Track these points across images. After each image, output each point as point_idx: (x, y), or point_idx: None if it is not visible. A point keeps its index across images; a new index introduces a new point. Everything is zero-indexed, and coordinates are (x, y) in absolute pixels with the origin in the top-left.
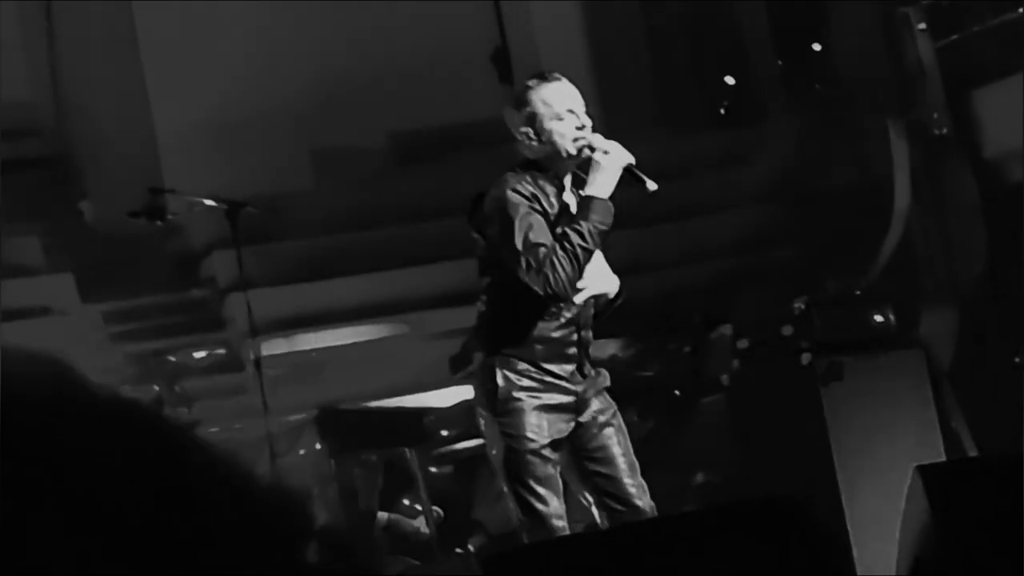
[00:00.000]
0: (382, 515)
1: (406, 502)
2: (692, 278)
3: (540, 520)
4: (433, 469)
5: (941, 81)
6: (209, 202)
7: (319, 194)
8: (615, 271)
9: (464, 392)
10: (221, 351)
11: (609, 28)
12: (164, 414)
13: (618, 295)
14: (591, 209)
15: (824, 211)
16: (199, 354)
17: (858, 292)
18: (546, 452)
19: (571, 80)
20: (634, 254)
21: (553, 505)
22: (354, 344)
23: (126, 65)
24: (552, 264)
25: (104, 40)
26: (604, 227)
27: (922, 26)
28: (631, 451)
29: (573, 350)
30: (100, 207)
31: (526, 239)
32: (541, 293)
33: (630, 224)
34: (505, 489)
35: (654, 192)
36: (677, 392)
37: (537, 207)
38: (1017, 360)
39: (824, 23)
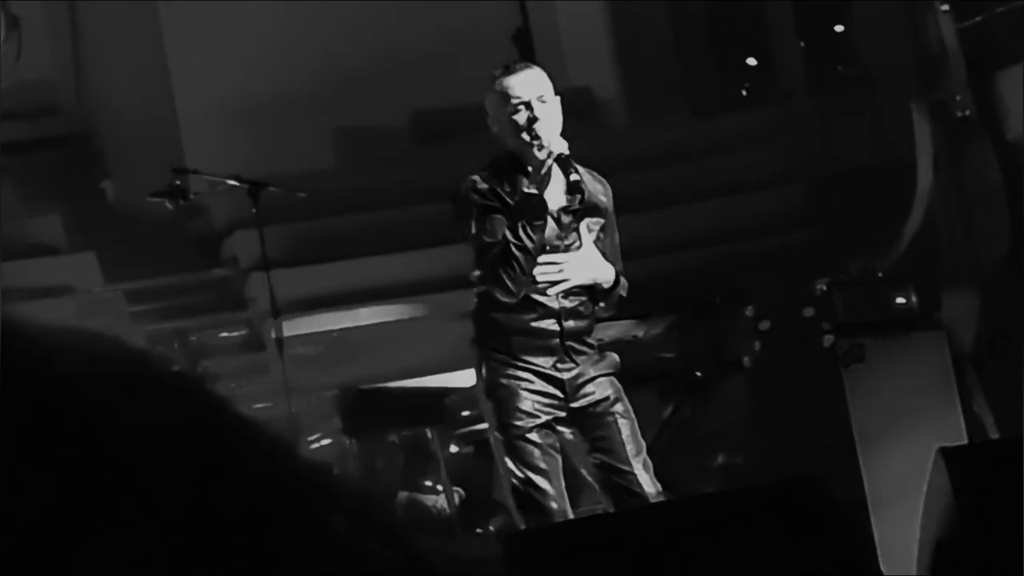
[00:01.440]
0: (402, 495)
1: (427, 482)
2: (714, 259)
3: (533, 505)
4: (454, 449)
5: (964, 63)
6: (231, 182)
7: (341, 173)
8: (636, 252)
9: None
10: (243, 331)
11: (631, 9)
12: (207, 388)
13: (616, 284)
14: (523, 207)
15: (846, 192)
16: (221, 334)
17: (880, 274)
18: (535, 436)
19: (594, 62)
20: (656, 235)
21: (546, 489)
22: (376, 324)
23: (148, 44)
24: (492, 266)
25: (126, 19)
26: (538, 222)
27: (945, 7)
28: (637, 437)
29: (554, 341)
30: (122, 186)
31: (479, 240)
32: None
33: (651, 205)
34: (501, 474)
35: (575, 182)
36: (698, 374)
37: (496, 204)
38: None
39: (847, 4)
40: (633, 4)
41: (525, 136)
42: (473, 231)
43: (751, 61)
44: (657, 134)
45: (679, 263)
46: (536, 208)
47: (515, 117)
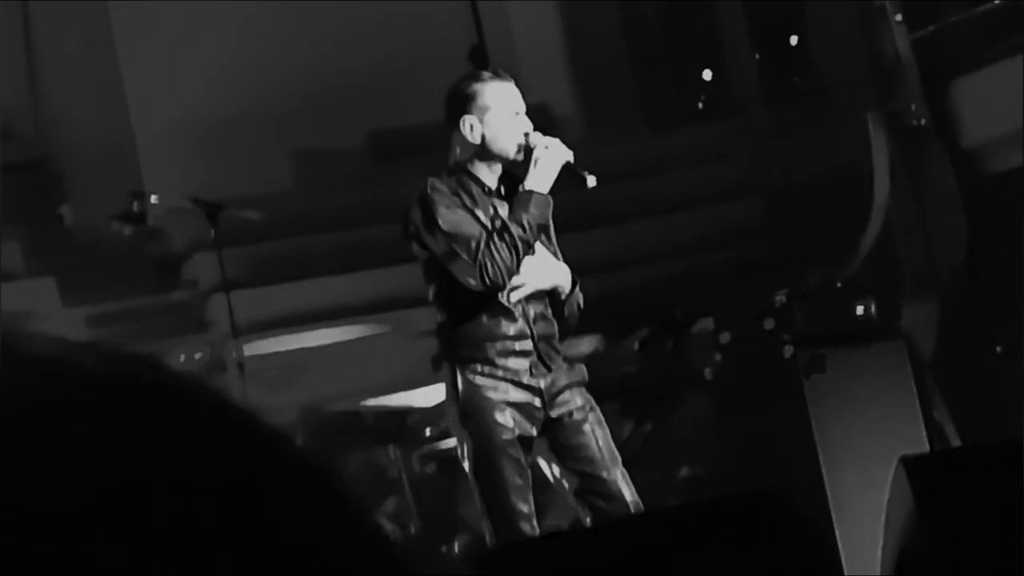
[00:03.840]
0: None
1: (389, 503)
2: (673, 273)
3: (505, 520)
4: (417, 468)
5: (918, 72)
6: (189, 204)
7: (299, 194)
8: (596, 268)
9: None
10: (204, 353)
11: (587, 25)
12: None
13: (575, 286)
14: (530, 203)
15: (804, 204)
16: (182, 357)
17: (839, 284)
18: (512, 451)
19: (550, 78)
20: (615, 250)
21: (519, 506)
22: (336, 344)
23: (104, 67)
24: (490, 254)
25: (81, 43)
26: (543, 221)
27: (898, 18)
28: (611, 444)
29: (527, 345)
30: (80, 211)
31: (454, 233)
32: (475, 284)
33: (609, 220)
34: (474, 490)
35: (593, 187)
36: (660, 388)
37: (459, 203)
38: (999, 349)
39: (801, 16)
40: (588, 20)
41: (516, 146)
42: (445, 225)
43: (706, 75)
44: (614, 149)
45: (638, 278)
46: (544, 206)
47: (507, 124)
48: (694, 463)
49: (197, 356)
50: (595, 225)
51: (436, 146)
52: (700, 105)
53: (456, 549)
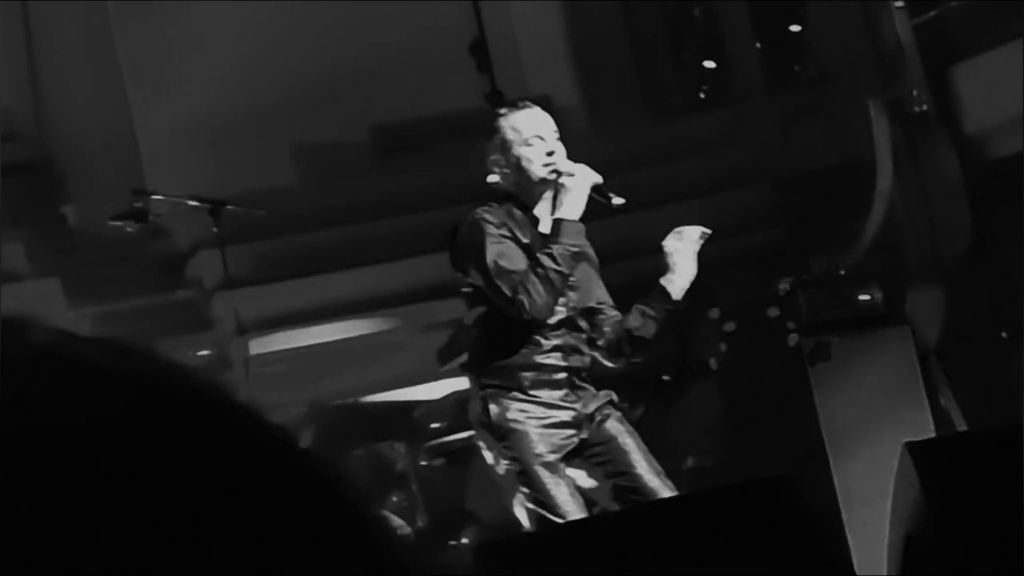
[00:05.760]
0: None
1: (395, 498)
2: None
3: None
4: (424, 462)
5: (920, 58)
6: (192, 202)
7: (302, 190)
8: (600, 259)
9: (454, 384)
10: (209, 351)
11: (588, 16)
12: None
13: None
14: (561, 232)
15: (807, 192)
16: (187, 355)
17: (843, 271)
18: (556, 465)
19: (552, 70)
20: (619, 241)
21: (573, 512)
22: (342, 339)
23: (105, 66)
24: (526, 290)
25: (82, 42)
26: (576, 249)
27: (899, 3)
28: (643, 446)
29: (561, 375)
30: (83, 211)
31: (497, 267)
32: (518, 320)
33: (614, 211)
34: (523, 511)
35: (621, 206)
36: (665, 377)
37: (507, 234)
38: (1004, 335)
39: (802, 5)
40: (589, 11)
41: (543, 169)
42: (490, 259)
43: (709, 64)
44: (618, 139)
45: (642, 268)
46: (576, 234)
47: (527, 151)
48: (700, 453)
49: (202, 354)
50: (597, 216)
51: (437, 139)
52: (702, 95)
53: (464, 542)
